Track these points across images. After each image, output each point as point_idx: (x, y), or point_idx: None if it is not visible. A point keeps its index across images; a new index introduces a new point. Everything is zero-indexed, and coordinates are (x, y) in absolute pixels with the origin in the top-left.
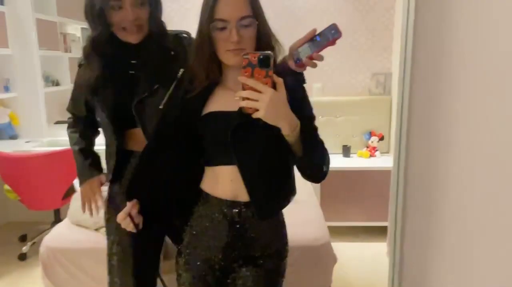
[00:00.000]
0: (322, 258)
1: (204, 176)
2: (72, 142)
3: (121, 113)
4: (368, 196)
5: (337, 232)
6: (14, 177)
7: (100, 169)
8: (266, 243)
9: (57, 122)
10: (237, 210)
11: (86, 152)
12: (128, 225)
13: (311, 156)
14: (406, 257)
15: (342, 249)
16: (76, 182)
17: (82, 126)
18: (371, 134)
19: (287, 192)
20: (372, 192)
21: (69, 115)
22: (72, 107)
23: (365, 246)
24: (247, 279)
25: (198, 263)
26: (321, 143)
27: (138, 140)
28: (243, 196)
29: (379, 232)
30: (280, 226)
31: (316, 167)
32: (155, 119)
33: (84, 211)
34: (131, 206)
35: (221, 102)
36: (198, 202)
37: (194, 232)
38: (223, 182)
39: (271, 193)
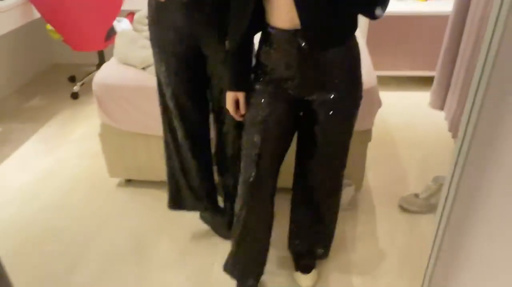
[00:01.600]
0: (368, 101)
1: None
2: None
3: None
4: (417, 44)
5: (380, 82)
6: (54, 15)
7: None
8: (338, 77)
9: None
10: (296, 38)
11: None
12: (235, 113)
13: None
14: None
15: (385, 97)
16: (116, 24)
17: None
18: None
19: (342, 27)
20: (423, 40)
21: None
22: None
23: (407, 95)
24: (320, 115)
25: (271, 93)
26: None
27: None
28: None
29: (424, 82)
30: (352, 62)
31: None
32: None
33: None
34: (241, 96)
35: None
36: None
37: (264, 68)
38: (278, 9)
39: (324, 22)
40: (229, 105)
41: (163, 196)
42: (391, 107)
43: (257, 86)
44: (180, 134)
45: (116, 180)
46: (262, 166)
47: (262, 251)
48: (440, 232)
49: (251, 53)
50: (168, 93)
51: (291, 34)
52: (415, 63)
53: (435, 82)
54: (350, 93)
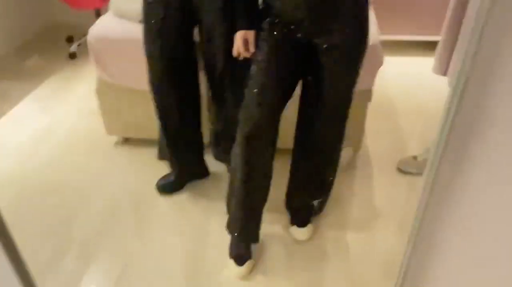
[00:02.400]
0: (370, 58)
1: None
2: None
3: None
4: (422, 6)
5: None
6: None
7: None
8: (346, 20)
9: None
10: None
11: None
12: (244, 51)
13: None
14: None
15: (387, 62)
16: None
17: None
18: None
19: None
20: (428, 2)
21: None
22: None
23: (410, 61)
24: (326, 60)
25: (279, 35)
26: None
27: None
28: None
29: (428, 47)
30: (360, 4)
31: None
32: None
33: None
34: (251, 35)
35: None
36: None
37: (272, 11)
38: None
39: None
40: (239, 44)
41: None
42: (393, 72)
43: (265, 30)
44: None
45: (114, 139)
46: (262, 114)
47: (261, 203)
48: (416, 224)
49: None
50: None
51: None
52: (419, 27)
53: (439, 46)
54: (357, 38)
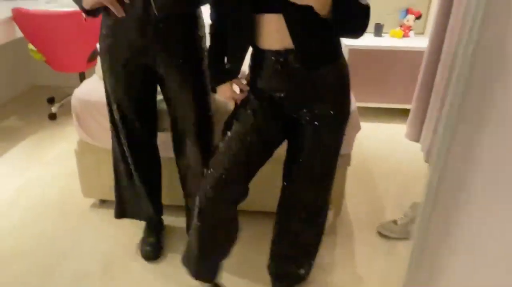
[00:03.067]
0: (349, 123)
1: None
2: None
3: None
4: (394, 77)
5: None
6: (36, 35)
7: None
8: (328, 93)
9: None
10: (286, 58)
11: None
12: (238, 95)
13: (351, 23)
14: None
15: (363, 127)
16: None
17: None
18: (407, 11)
19: (332, 46)
20: (399, 74)
21: None
22: None
23: (384, 127)
24: (308, 130)
25: (260, 109)
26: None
27: None
28: (290, 44)
29: (399, 115)
30: (341, 80)
31: (355, 26)
32: None
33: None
34: (237, 80)
35: None
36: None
37: (256, 84)
38: (270, 32)
39: (315, 42)
40: (231, 94)
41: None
42: (369, 138)
43: (250, 97)
44: (126, 149)
45: (90, 201)
46: (233, 169)
47: (220, 255)
48: (413, 260)
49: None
50: (114, 106)
51: (282, 54)
52: (392, 96)
53: (411, 114)
54: (339, 109)
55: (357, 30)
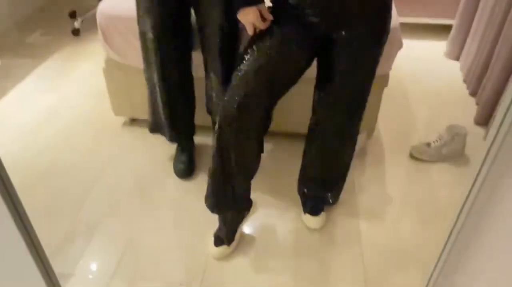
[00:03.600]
0: (390, 41)
1: None
2: None
3: None
4: None
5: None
6: None
7: None
8: (365, 11)
9: None
10: None
11: None
12: (261, 24)
13: None
14: None
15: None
16: None
17: None
18: None
19: None
20: None
21: None
22: None
23: (423, 44)
24: (341, 55)
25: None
26: None
27: None
28: None
29: (441, 31)
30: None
31: None
32: None
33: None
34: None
35: None
36: None
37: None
38: None
39: None
40: (254, 18)
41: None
42: (406, 56)
43: (273, 27)
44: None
45: (121, 119)
46: (256, 85)
47: (245, 184)
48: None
49: None
50: (148, 23)
51: None
52: (434, 9)
53: (453, 30)
54: (380, 25)
55: None
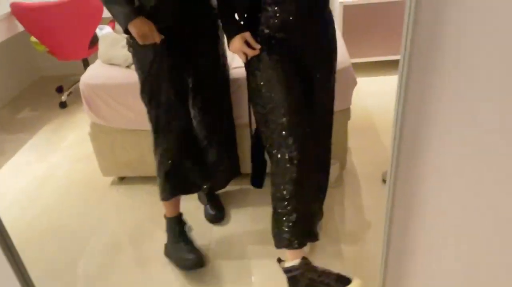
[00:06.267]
0: (344, 80)
1: None
2: None
3: None
4: (387, 29)
5: (356, 68)
6: (37, 27)
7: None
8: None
9: None
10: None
11: None
12: (248, 50)
13: None
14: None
15: (361, 82)
16: (98, 31)
17: None
18: None
19: None
20: (393, 25)
21: None
22: None
23: (382, 80)
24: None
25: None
26: None
27: None
28: None
29: (396, 66)
30: (330, 29)
31: None
32: None
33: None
34: (248, 35)
35: None
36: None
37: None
38: None
39: None
40: (240, 46)
41: (155, 190)
42: (368, 92)
43: (264, 46)
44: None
45: (109, 179)
46: (296, 100)
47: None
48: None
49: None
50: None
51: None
52: (386, 47)
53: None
54: (330, 44)
55: None
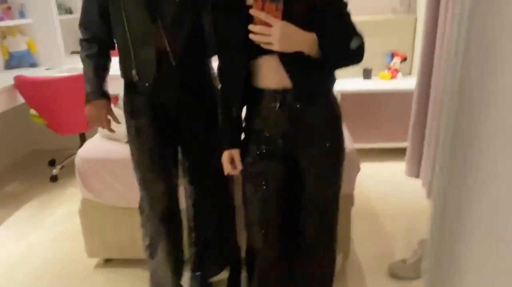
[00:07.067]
0: (347, 166)
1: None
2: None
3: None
4: (387, 118)
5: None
6: (39, 101)
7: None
8: (323, 130)
9: (73, 52)
10: (285, 96)
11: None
12: (229, 169)
13: (343, 56)
14: None
15: (363, 168)
16: None
17: (96, 48)
18: (393, 55)
19: (328, 77)
20: (392, 114)
21: (81, 35)
22: (84, 18)
23: (384, 166)
24: (309, 171)
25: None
26: (355, 37)
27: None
28: (288, 84)
29: (396, 154)
30: (334, 116)
31: (348, 59)
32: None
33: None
34: (236, 153)
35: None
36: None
37: (255, 128)
38: (267, 72)
39: (312, 80)
40: (226, 163)
41: (143, 275)
42: (371, 178)
43: (251, 147)
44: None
45: (94, 261)
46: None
47: None
48: None
49: (241, 111)
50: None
51: (279, 93)
52: (386, 135)
53: (408, 152)
54: (334, 145)
55: (352, 62)
